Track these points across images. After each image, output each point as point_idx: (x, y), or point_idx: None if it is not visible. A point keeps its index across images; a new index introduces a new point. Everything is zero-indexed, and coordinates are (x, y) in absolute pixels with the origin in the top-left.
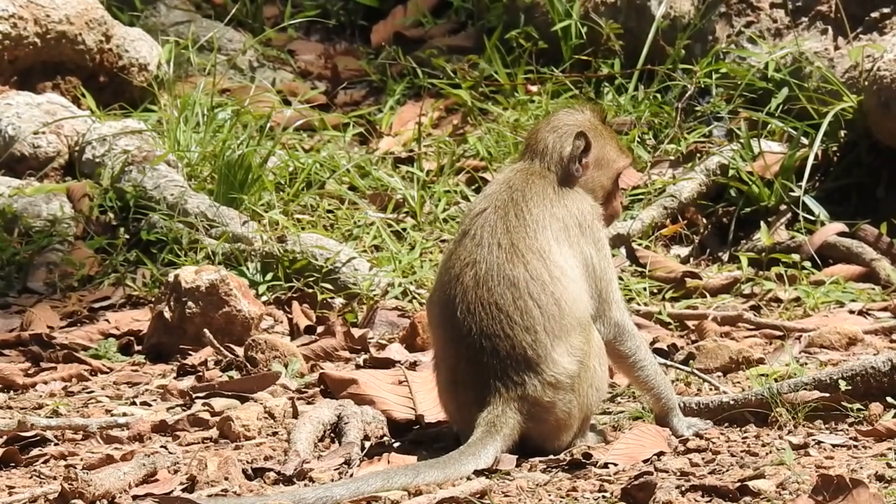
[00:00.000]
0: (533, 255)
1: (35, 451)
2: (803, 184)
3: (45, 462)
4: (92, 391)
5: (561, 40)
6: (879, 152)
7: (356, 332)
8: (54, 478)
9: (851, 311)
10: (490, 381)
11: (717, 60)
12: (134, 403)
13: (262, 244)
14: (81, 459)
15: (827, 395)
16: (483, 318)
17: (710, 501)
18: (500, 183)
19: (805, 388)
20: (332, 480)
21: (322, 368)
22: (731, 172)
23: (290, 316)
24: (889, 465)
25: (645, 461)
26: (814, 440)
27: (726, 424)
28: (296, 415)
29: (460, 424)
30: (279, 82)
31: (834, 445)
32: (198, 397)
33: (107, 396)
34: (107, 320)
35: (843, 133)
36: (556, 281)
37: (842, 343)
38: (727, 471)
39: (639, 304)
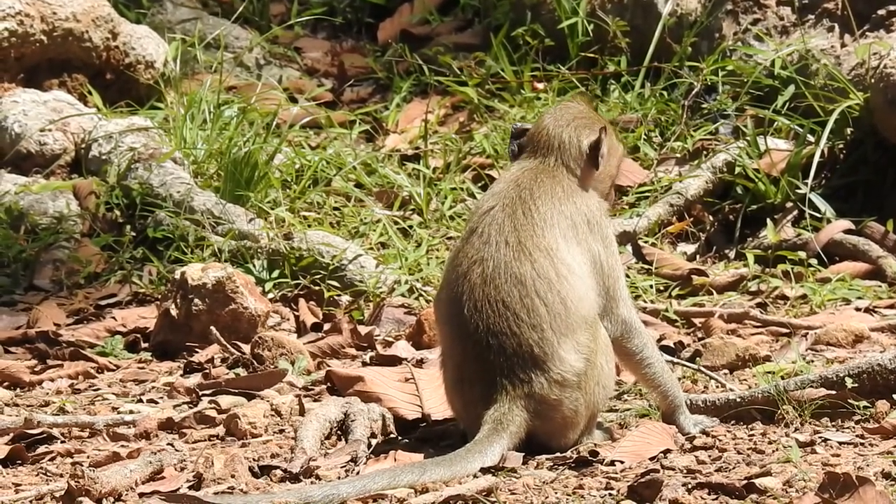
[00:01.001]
0: (540, 252)
1: (42, 449)
2: (809, 181)
3: (52, 459)
4: (98, 388)
5: (567, 38)
6: (886, 150)
7: (363, 330)
8: (61, 475)
9: (858, 309)
10: (497, 378)
11: (724, 58)
12: (140, 401)
13: (269, 241)
14: (88, 457)
15: (833, 392)
16: (490, 316)
17: (716, 499)
18: (508, 181)
19: (811, 386)
20: (339, 478)
21: (329, 366)
22: (737, 170)
23: (296, 313)
24: (895, 463)
25: (651, 459)
26: (820, 438)
27: (733, 422)
28: (302, 412)
29: (467, 422)
30: (286, 80)
31: (840, 443)
32: (204, 395)
33: (113, 394)
34: (113, 318)
35: (849, 130)
36: (563, 279)
37: (848, 340)
38: (734, 468)
39: (645, 302)
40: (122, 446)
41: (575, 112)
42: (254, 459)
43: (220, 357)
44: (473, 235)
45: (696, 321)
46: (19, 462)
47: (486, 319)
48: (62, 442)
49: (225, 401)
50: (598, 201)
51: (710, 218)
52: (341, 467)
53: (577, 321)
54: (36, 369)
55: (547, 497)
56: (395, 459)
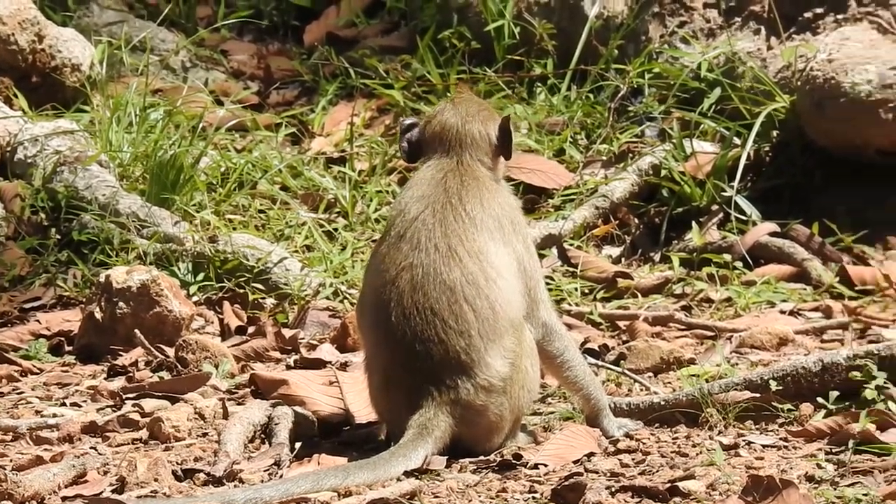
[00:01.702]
0: (470, 257)
1: None
2: (735, 184)
3: None
4: (22, 392)
5: (494, 40)
6: (812, 152)
7: (287, 333)
8: None
9: (782, 312)
10: (423, 384)
11: (650, 60)
12: (64, 404)
13: (194, 244)
14: (11, 460)
15: (758, 395)
16: (418, 323)
17: (639, 502)
18: (432, 184)
19: (736, 389)
20: (262, 481)
21: (253, 369)
22: (663, 172)
23: (221, 316)
24: (819, 466)
25: (575, 462)
26: (744, 441)
27: (657, 425)
28: (226, 415)
29: (392, 426)
30: (212, 82)
31: (764, 446)
32: (128, 398)
33: (37, 397)
34: (37, 321)
35: (775, 133)
36: (492, 283)
37: (773, 343)
38: (657, 471)
39: (570, 305)
40: (46, 450)
41: (476, 105)
42: (177, 463)
43: (144, 360)
44: (402, 241)
45: (621, 324)
46: None
47: (413, 326)
48: None
49: (149, 404)
50: (515, 199)
51: (636, 221)
52: (265, 471)
53: (504, 325)
54: None
55: (470, 500)
56: (319, 463)
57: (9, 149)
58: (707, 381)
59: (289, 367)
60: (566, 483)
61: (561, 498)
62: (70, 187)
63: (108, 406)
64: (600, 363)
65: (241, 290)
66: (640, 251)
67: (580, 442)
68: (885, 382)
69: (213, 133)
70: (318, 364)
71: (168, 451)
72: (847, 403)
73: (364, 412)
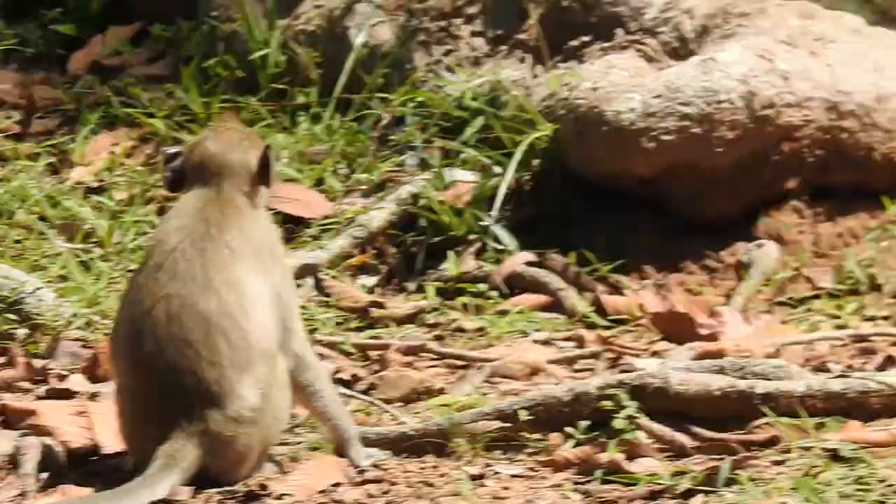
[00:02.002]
0: (227, 288)
1: None
2: (494, 213)
3: None
4: None
5: (259, 69)
6: (574, 181)
7: (37, 363)
8: None
9: (536, 341)
10: (173, 415)
11: (415, 89)
12: None
13: None
14: None
15: (507, 424)
16: (171, 354)
17: None
18: (192, 215)
19: (485, 418)
20: None
21: (1, 399)
22: (422, 202)
23: None
24: (565, 496)
25: (321, 492)
26: (491, 470)
27: (405, 455)
28: None
29: (140, 456)
30: None
31: (512, 476)
32: None
33: None
34: None
35: (536, 162)
36: (248, 314)
37: (524, 373)
38: (403, 501)
39: (322, 335)
40: None
41: (238, 134)
42: None
43: None
44: (160, 271)
45: (373, 353)
46: None
47: (167, 357)
48: None
49: None
50: (275, 228)
51: (393, 250)
52: (9, 501)
53: (257, 357)
54: None
55: None
56: (64, 493)
57: None
58: (457, 410)
59: (39, 398)
60: None
61: None
62: None
63: None
64: (350, 393)
65: None
66: (396, 281)
67: (327, 472)
68: (636, 412)
69: None
70: (68, 394)
71: None
72: (597, 433)
73: (113, 442)
